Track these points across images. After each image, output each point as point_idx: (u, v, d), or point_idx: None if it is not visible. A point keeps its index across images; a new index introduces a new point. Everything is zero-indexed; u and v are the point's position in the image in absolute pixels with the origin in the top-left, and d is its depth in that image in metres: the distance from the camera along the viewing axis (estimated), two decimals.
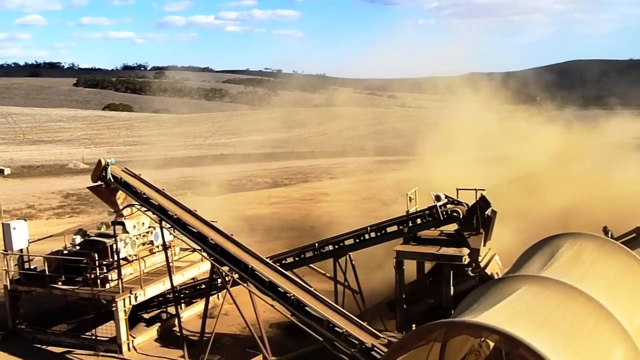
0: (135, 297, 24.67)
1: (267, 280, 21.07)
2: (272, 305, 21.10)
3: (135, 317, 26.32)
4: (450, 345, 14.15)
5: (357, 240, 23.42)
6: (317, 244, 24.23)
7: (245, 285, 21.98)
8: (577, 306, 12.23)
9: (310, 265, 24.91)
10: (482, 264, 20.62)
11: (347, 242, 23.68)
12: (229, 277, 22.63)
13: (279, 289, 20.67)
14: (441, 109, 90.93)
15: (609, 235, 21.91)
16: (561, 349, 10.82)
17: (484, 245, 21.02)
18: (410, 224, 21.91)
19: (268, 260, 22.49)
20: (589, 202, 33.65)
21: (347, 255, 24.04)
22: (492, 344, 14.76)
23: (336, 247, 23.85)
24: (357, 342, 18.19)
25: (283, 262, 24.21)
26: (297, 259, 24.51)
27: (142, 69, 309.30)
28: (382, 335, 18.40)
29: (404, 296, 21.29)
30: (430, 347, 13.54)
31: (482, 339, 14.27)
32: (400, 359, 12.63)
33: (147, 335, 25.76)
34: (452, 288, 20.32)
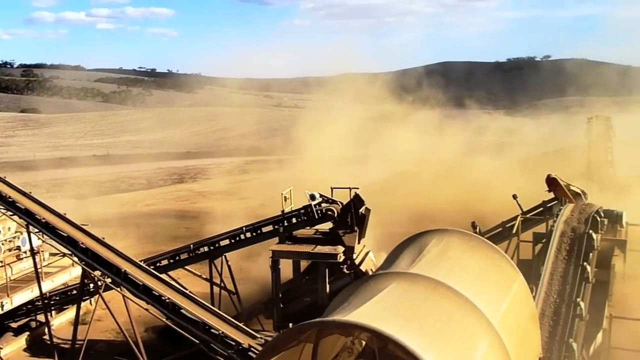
0: (2, 306, 23.84)
1: (140, 284, 20.77)
2: (146, 309, 20.84)
3: (2, 327, 25.43)
4: (324, 343, 14.35)
5: (233, 241, 23.46)
6: (192, 246, 24.12)
7: (118, 289, 21.61)
8: (444, 300, 12.63)
9: (186, 267, 24.72)
10: (357, 261, 21.04)
11: (222, 243, 23.70)
12: (101, 282, 22.19)
13: (154, 292, 20.43)
14: (317, 109, 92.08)
15: (477, 230, 22.89)
16: (429, 343, 11.16)
17: (359, 243, 21.44)
18: (286, 224, 22.12)
19: (142, 263, 22.21)
20: (458, 198, 35.04)
21: (223, 256, 24.02)
22: (364, 341, 15.08)
23: (212, 248, 23.81)
24: (233, 343, 18.26)
25: (157, 264, 24.00)
26: (172, 261, 24.30)
27: (9, 66, 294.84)
28: (259, 336, 18.53)
29: (280, 295, 21.45)
30: (303, 346, 13.67)
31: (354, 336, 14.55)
32: (273, 359, 12.68)
33: (16, 345, 25.03)
34: (327, 286, 20.63)
